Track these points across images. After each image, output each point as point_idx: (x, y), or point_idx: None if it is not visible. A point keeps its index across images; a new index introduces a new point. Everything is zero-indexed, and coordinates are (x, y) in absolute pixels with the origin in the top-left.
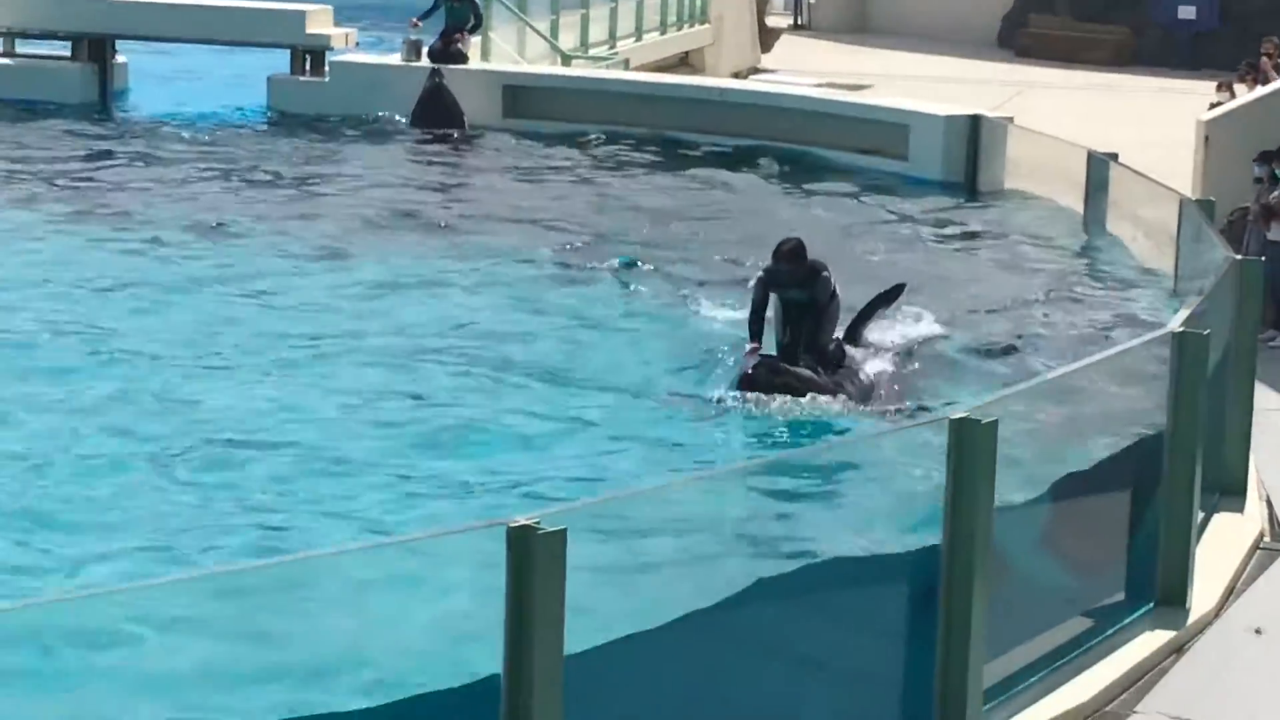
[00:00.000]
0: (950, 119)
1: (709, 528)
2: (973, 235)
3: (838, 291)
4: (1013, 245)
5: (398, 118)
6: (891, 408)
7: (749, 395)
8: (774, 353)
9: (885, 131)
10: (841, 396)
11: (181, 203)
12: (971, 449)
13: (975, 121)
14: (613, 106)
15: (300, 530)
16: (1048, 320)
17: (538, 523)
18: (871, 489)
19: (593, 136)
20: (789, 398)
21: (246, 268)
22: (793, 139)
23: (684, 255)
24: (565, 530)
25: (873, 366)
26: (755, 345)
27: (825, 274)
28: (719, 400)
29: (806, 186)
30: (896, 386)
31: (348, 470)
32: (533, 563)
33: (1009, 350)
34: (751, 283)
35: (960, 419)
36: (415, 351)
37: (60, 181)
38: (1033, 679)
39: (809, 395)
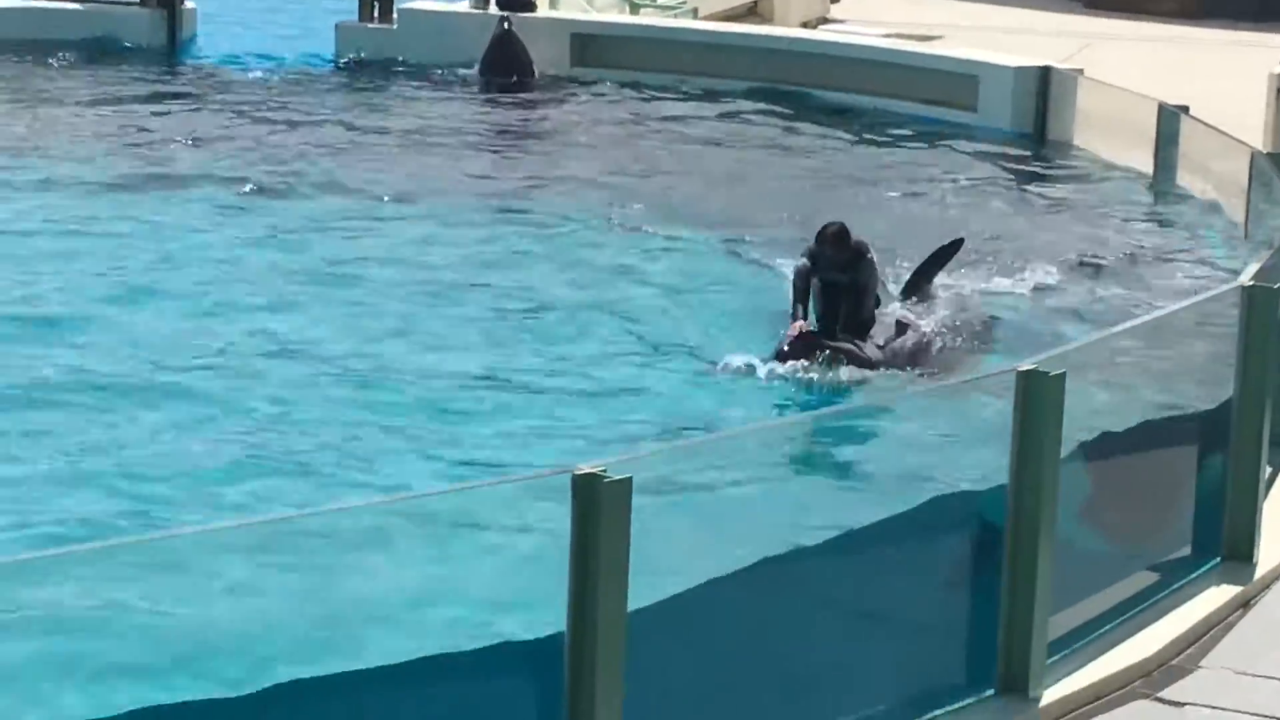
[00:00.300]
0: (1020, 70)
1: (772, 478)
2: (1041, 187)
3: (877, 268)
4: (1081, 198)
5: (465, 66)
6: (927, 373)
7: (786, 366)
8: (814, 327)
9: (954, 82)
10: (881, 369)
11: (247, 150)
12: (1039, 401)
13: (1045, 73)
14: (681, 56)
15: (374, 476)
16: (1115, 274)
17: (604, 471)
18: (934, 442)
19: (662, 85)
20: (826, 370)
21: (311, 217)
22: (861, 89)
23: (752, 212)
24: (630, 478)
25: (914, 334)
26: (799, 322)
27: (869, 257)
28: (757, 370)
29: (875, 138)
30: (941, 353)
31: (414, 420)
32: (598, 511)
33: (1075, 308)
34: (795, 264)
35: (1028, 371)
36: (473, 302)
37: (125, 125)
38: (1097, 633)
39: (847, 368)
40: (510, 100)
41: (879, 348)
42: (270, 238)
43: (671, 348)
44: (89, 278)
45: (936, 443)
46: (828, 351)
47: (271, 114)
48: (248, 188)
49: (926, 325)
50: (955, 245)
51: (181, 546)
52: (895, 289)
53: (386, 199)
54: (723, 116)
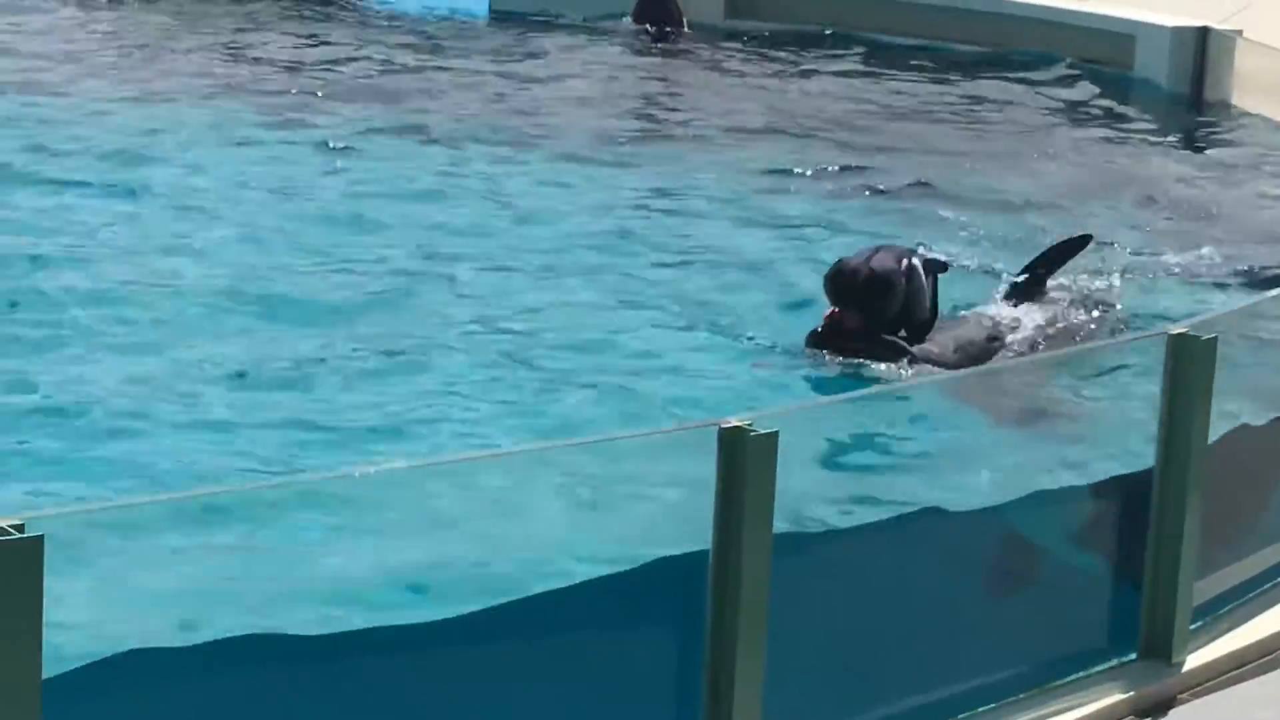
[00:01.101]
0: (1177, 30)
1: (914, 436)
2: (1197, 152)
3: (920, 277)
4: (1238, 165)
5: (616, 17)
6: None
7: (816, 353)
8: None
9: (1111, 41)
10: (922, 365)
11: (394, 102)
12: (1188, 366)
13: (1203, 33)
14: (838, 8)
15: (507, 427)
16: (1272, 244)
17: (750, 424)
18: (1074, 403)
19: (821, 34)
20: (856, 360)
21: (457, 171)
22: (1018, 45)
23: (905, 176)
24: (777, 433)
25: (980, 335)
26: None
27: (897, 285)
28: (796, 354)
29: (1029, 96)
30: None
31: (538, 376)
32: (744, 464)
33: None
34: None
35: (1178, 335)
36: (589, 261)
37: (269, 71)
38: (1243, 599)
39: (879, 360)
40: (660, 50)
41: (928, 350)
42: (414, 190)
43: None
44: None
45: (1076, 404)
46: (856, 340)
47: (421, 62)
48: (388, 139)
49: (1015, 330)
50: (1081, 241)
51: (371, 483)
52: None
53: (530, 152)
54: (875, 70)
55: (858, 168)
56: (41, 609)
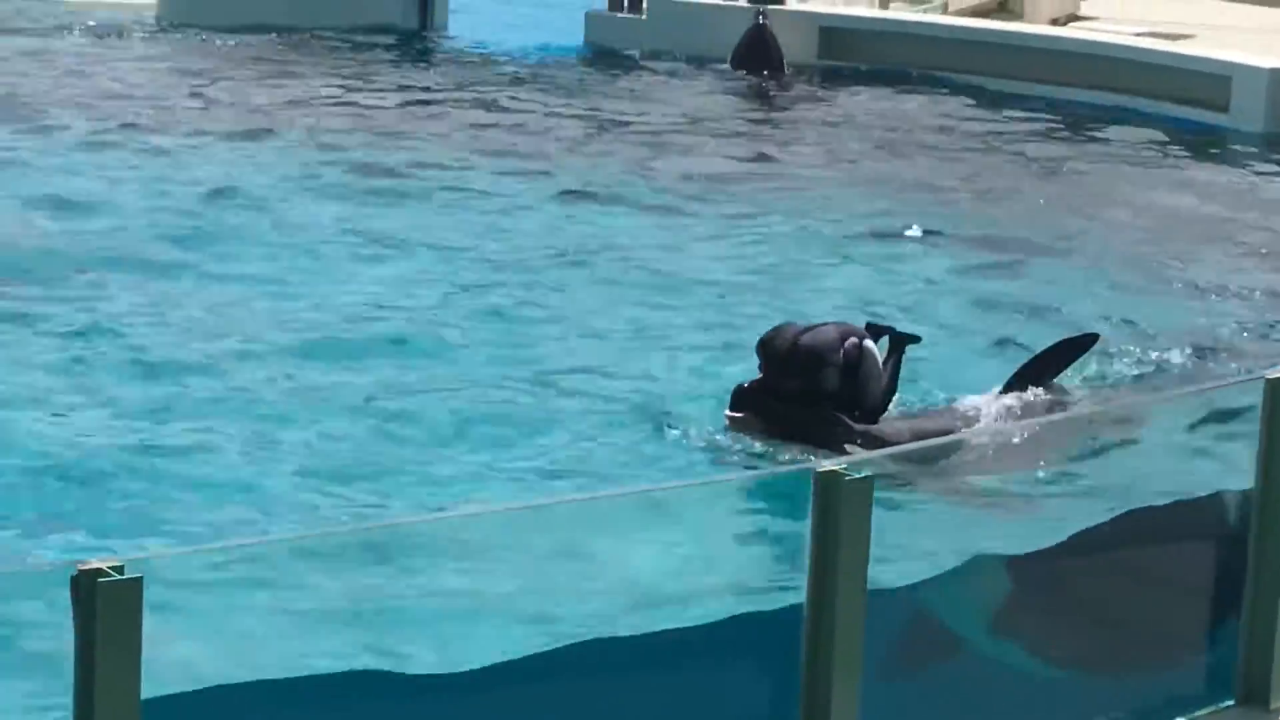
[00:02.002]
0: (1275, 71)
1: (1004, 479)
2: None
3: (871, 359)
4: None
5: (715, 58)
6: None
7: (732, 418)
8: None
9: (1206, 82)
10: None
11: (497, 137)
12: None
13: None
14: (929, 51)
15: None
16: None
17: (844, 469)
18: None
19: (910, 75)
20: (770, 435)
21: (557, 210)
22: (1111, 88)
23: (987, 223)
24: (872, 478)
25: (952, 427)
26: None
27: (831, 362)
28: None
29: (1121, 139)
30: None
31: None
32: (838, 508)
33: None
34: None
35: (1276, 379)
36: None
37: (372, 111)
38: None
39: (811, 439)
40: (759, 93)
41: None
42: (527, 220)
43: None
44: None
45: (1177, 449)
46: (777, 408)
47: (518, 100)
48: (493, 178)
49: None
50: (1087, 341)
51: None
52: None
53: (634, 190)
54: (969, 113)
55: (952, 210)
56: (140, 647)
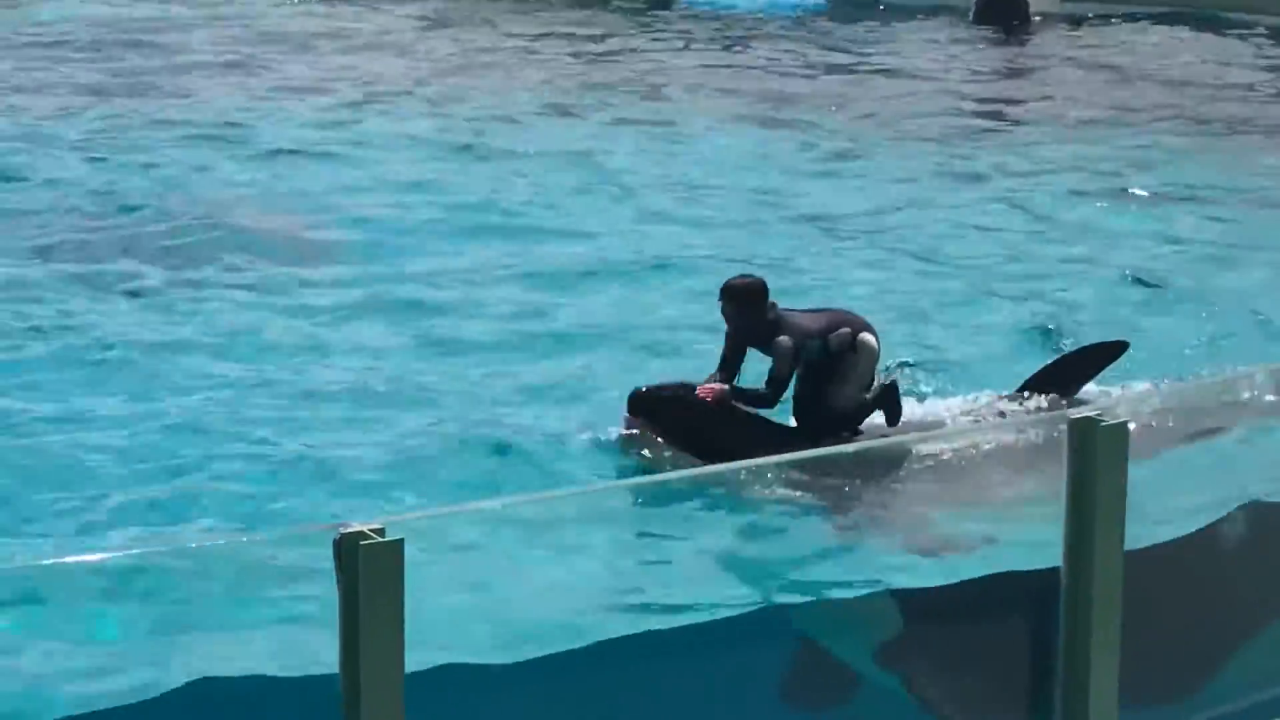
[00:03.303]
0: None
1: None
2: None
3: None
4: None
5: (957, 10)
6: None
7: (625, 420)
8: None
9: None
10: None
11: (740, 96)
12: None
13: None
14: None
15: None
16: None
17: (1100, 415)
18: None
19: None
20: (651, 443)
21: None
22: None
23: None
24: (1127, 423)
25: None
26: (710, 384)
27: (782, 341)
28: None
29: None
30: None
31: None
32: (1094, 454)
33: None
34: None
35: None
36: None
37: (618, 68)
38: None
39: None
40: (1003, 44)
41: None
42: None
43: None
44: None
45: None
46: (667, 415)
47: (762, 54)
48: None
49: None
50: (1116, 349)
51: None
52: None
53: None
54: (1223, 51)
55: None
56: (402, 606)
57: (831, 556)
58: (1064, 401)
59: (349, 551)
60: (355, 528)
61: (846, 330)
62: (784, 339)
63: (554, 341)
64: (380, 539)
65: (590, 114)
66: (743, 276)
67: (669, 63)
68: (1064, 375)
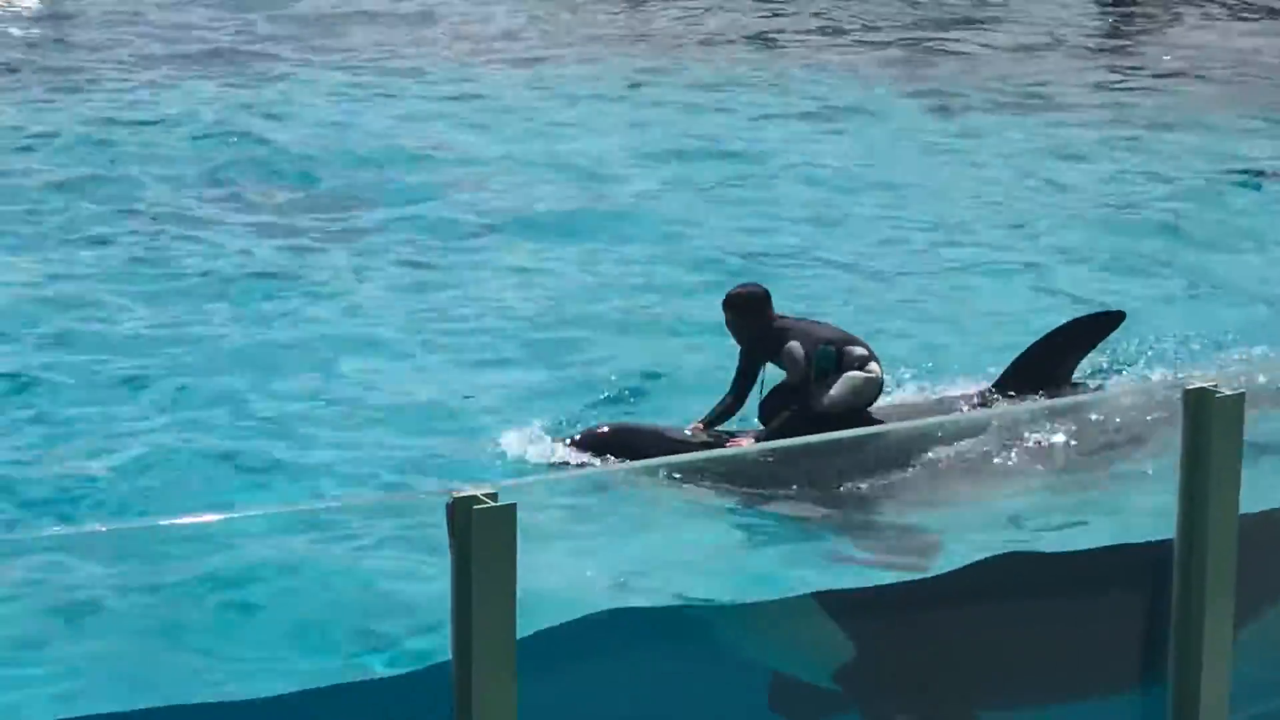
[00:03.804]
0: None
1: None
2: None
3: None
4: None
5: None
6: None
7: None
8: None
9: None
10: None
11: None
12: None
13: None
14: None
15: None
16: None
17: (1216, 386)
18: None
19: None
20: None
21: (923, 135)
22: None
23: None
24: (1244, 394)
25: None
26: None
27: (793, 346)
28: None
29: None
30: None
31: None
32: (1209, 424)
33: None
34: None
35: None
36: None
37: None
38: None
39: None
40: (1120, 11)
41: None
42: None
43: None
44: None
45: None
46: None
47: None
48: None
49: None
50: (1112, 319)
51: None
52: None
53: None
54: None
55: None
56: (515, 570)
57: None
58: (1054, 388)
59: (462, 515)
60: (468, 491)
61: (863, 352)
62: (794, 344)
63: None
64: (493, 503)
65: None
66: (743, 285)
67: None
68: (1055, 352)
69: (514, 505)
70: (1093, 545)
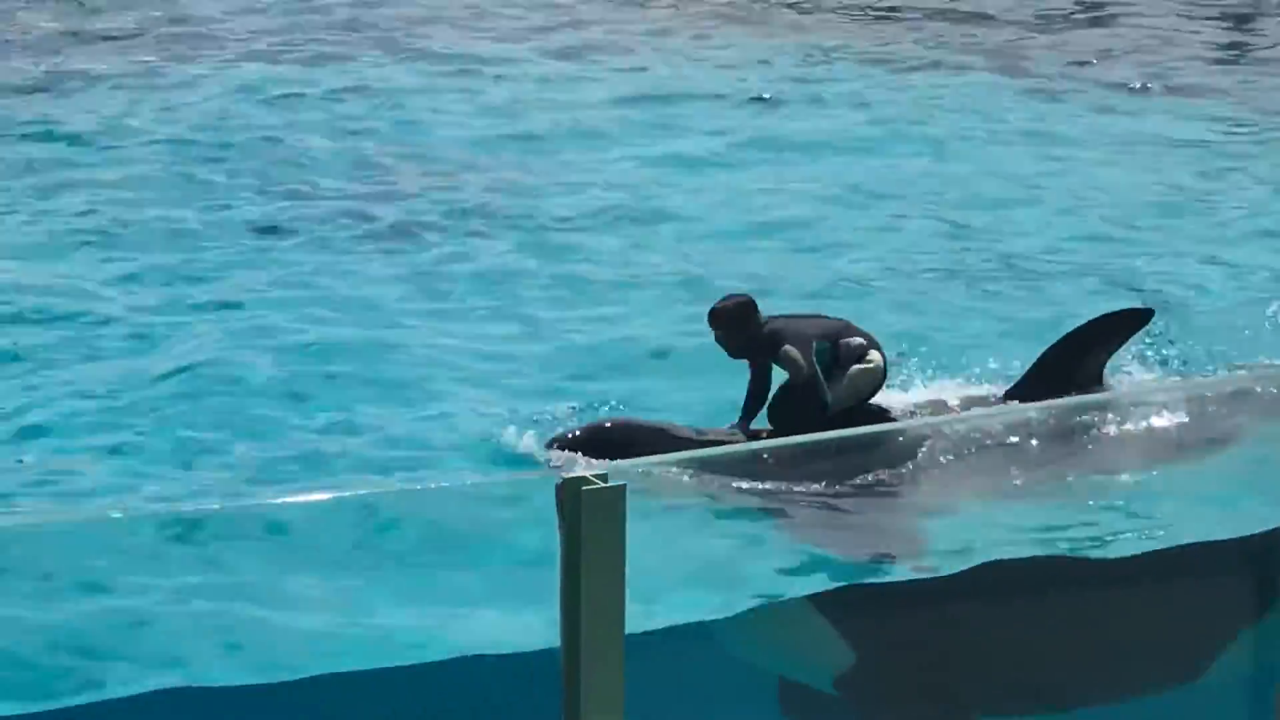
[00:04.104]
0: None
1: None
2: None
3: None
4: None
5: None
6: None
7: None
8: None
9: None
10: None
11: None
12: None
13: None
14: None
15: None
16: None
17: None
18: None
19: None
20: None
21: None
22: None
23: None
24: (623, 485)
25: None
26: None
27: (789, 350)
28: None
29: None
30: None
31: None
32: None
33: None
34: None
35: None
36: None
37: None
38: None
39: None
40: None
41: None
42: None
43: None
44: None
45: None
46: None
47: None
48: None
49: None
50: (1140, 317)
51: None
52: None
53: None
54: None
55: None
56: (624, 551)
57: None
58: (1086, 387)
59: (571, 497)
60: (578, 473)
61: (860, 341)
62: (789, 348)
63: None
64: (603, 484)
65: None
66: (726, 298)
67: None
68: (1081, 350)
69: (623, 486)
70: (1092, 553)
